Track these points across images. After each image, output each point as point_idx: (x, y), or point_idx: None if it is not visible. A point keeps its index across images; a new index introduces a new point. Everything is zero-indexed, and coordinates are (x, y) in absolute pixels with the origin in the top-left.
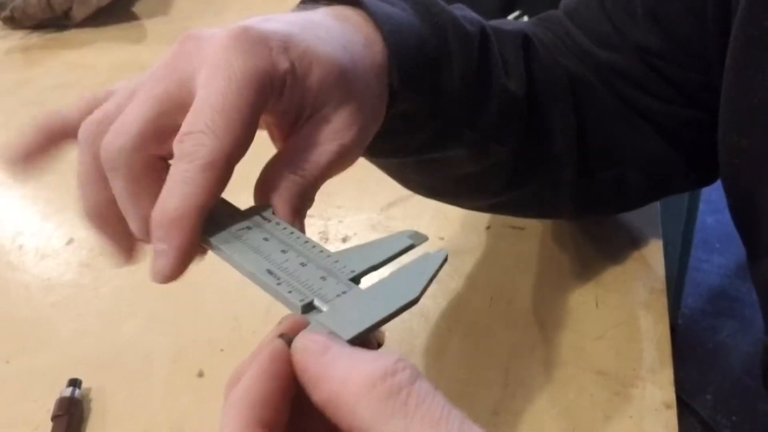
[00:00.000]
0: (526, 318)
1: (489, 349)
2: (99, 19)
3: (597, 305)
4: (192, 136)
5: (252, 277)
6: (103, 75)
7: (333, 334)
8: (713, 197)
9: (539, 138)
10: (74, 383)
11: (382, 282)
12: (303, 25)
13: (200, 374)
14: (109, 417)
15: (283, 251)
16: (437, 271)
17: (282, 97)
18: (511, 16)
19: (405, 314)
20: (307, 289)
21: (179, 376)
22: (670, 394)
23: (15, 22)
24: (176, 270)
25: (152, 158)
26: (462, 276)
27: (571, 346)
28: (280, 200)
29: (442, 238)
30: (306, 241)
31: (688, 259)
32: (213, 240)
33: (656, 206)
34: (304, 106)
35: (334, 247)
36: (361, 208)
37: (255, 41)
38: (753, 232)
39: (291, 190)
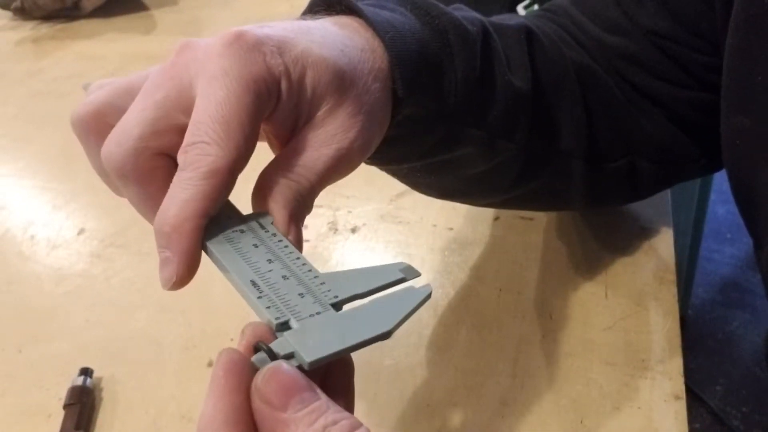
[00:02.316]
0: (534, 309)
1: (497, 339)
2: (108, 9)
3: (606, 296)
4: (194, 147)
5: (234, 283)
6: (113, 65)
7: (298, 374)
8: (724, 187)
9: (547, 132)
10: (86, 372)
11: (359, 308)
12: (298, 30)
13: (210, 364)
14: (120, 405)
15: (270, 261)
16: (418, 306)
17: (279, 102)
18: (521, 5)
19: None
20: (284, 305)
21: (189, 366)
22: (679, 385)
23: (25, 13)
24: (183, 276)
25: (159, 158)
26: (470, 267)
27: (580, 337)
28: (276, 206)
29: (450, 229)
30: (298, 257)
31: (698, 249)
32: (205, 240)
33: (667, 196)
34: (300, 110)
35: (343, 237)
36: (371, 198)
37: (249, 47)
38: (756, 217)
39: (286, 195)
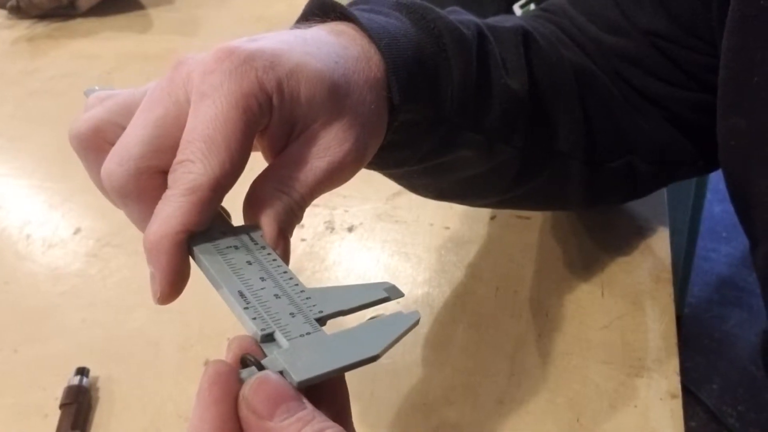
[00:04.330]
0: (531, 308)
1: (494, 338)
2: (104, 8)
3: (603, 295)
4: (180, 165)
5: (223, 294)
6: (109, 64)
7: (285, 384)
8: (720, 186)
9: (545, 134)
10: (82, 372)
11: (348, 331)
12: (292, 41)
13: (206, 363)
14: (117, 405)
15: (262, 278)
16: (406, 332)
17: (271, 116)
18: (517, 4)
19: (410, 304)
20: (274, 321)
21: (186, 366)
22: (675, 384)
23: (21, 11)
24: (167, 291)
25: (159, 176)
26: (467, 266)
27: (577, 336)
28: (267, 220)
29: (447, 228)
30: (285, 272)
31: (694, 248)
32: (197, 249)
33: (663, 195)
34: (294, 122)
35: (339, 236)
36: (367, 197)
37: (240, 62)
38: (752, 218)
39: (277, 208)
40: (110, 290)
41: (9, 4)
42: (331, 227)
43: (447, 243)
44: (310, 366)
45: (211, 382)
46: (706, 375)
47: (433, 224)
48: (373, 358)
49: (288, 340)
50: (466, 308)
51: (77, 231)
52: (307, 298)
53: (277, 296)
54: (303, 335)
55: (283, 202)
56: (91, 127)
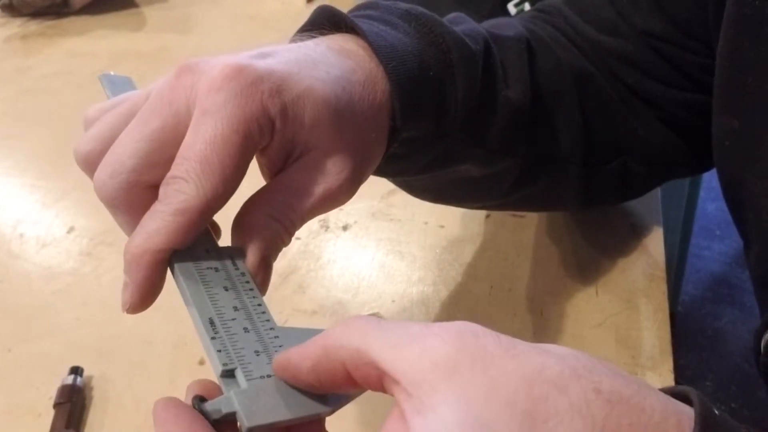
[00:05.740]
0: (526, 306)
1: None
2: (98, 6)
3: (597, 293)
4: (174, 181)
5: (193, 317)
6: (103, 62)
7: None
8: (714, 184)
9: (546, 141)
10: (76, 371)
11: None
12: (302, 63)
13: (201, 362)
14: (111, 404)
15: (235, 308)
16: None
17: (272, 139)
18: (511, 3)
19: (405, 302)
20: (238, 357)
21: (180, 364)
22: (669, 382)
23: (14, 9)
24: (137, 303)
25: (150, 190)
26: (462, 264)
27: (571, 334)
28: (252, 248)
29: (442, 226)
30: (259, 304)
31: (688, 246)
32: (177, 267)
33: (657, 193)
34: (295, 145)
35: (334, 235)
36: (362, 195)
37: (248, 84)
38: (745, 218)
39: (265, 236)
40: (104, 289)
41: (2, 2)
42: (325, 225)
43: (442, 241)
44: (264, 413)
45: (165, 401)
46: (700, 372)
47: (428, 223)
48: (325, 414)
49: (247, 380)
50: (461, 306)
51: (71, 230)
52: (275, 337)
53: (246, 330)
54: (263, 377)
55: (272, 229)
56: (96, 149)
